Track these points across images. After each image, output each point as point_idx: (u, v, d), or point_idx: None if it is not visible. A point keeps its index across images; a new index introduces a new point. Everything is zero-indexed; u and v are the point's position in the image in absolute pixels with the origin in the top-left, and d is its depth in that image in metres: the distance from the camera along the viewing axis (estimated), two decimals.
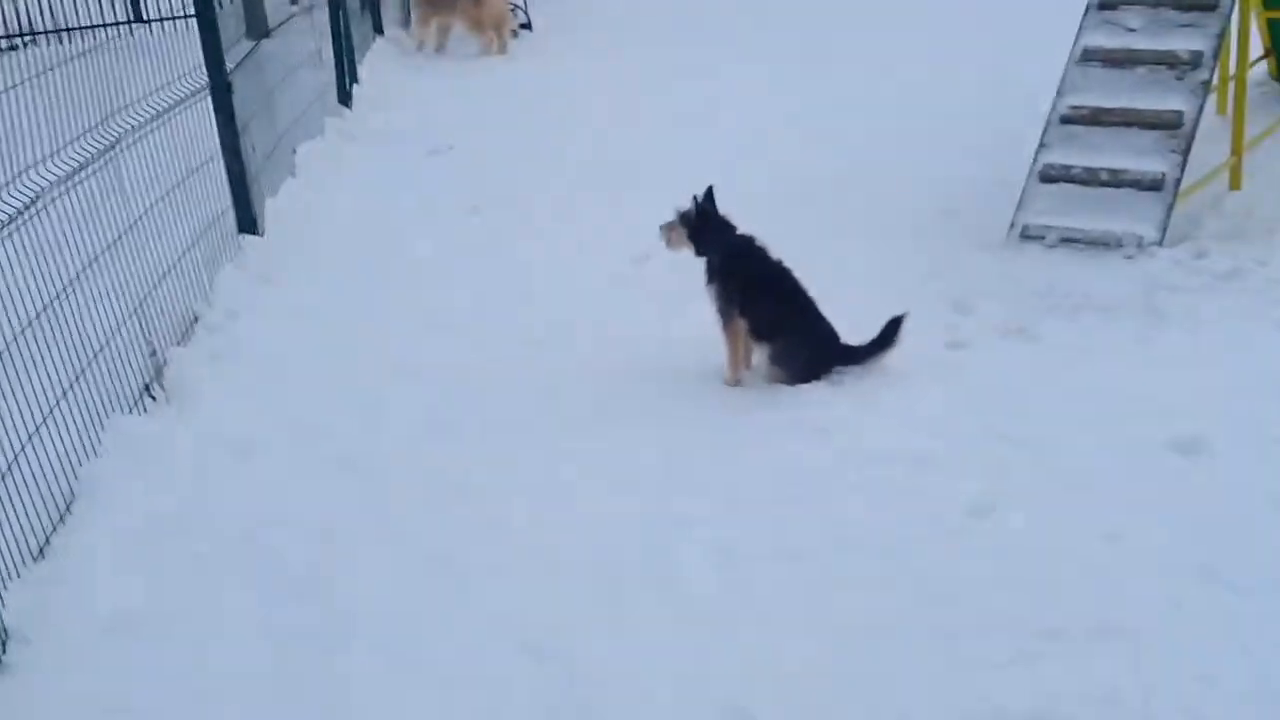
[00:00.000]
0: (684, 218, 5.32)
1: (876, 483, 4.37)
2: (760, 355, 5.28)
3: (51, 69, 5.26)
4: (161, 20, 13.56)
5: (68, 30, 14.90)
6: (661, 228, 5.40)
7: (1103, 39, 6.73)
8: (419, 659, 3.64)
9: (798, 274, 5.23)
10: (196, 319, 5.98)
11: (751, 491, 4.38)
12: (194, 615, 3.87)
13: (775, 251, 5.24)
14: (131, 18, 15.25)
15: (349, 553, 4.20)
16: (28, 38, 15.11)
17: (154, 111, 5.95)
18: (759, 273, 5.20)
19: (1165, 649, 3.44)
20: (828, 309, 5.23)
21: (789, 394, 5.09)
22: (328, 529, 4.35)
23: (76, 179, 4.99)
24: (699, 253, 5.33)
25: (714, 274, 5.28)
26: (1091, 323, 5.57)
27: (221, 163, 6.85)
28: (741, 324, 5.22)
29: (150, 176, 5.94)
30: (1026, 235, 6.39)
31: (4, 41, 14.99)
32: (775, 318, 5.17)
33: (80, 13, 14.94)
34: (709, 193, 5.31)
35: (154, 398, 5.26)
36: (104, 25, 14.88)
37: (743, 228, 5.32)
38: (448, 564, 4.11)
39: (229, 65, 6.96)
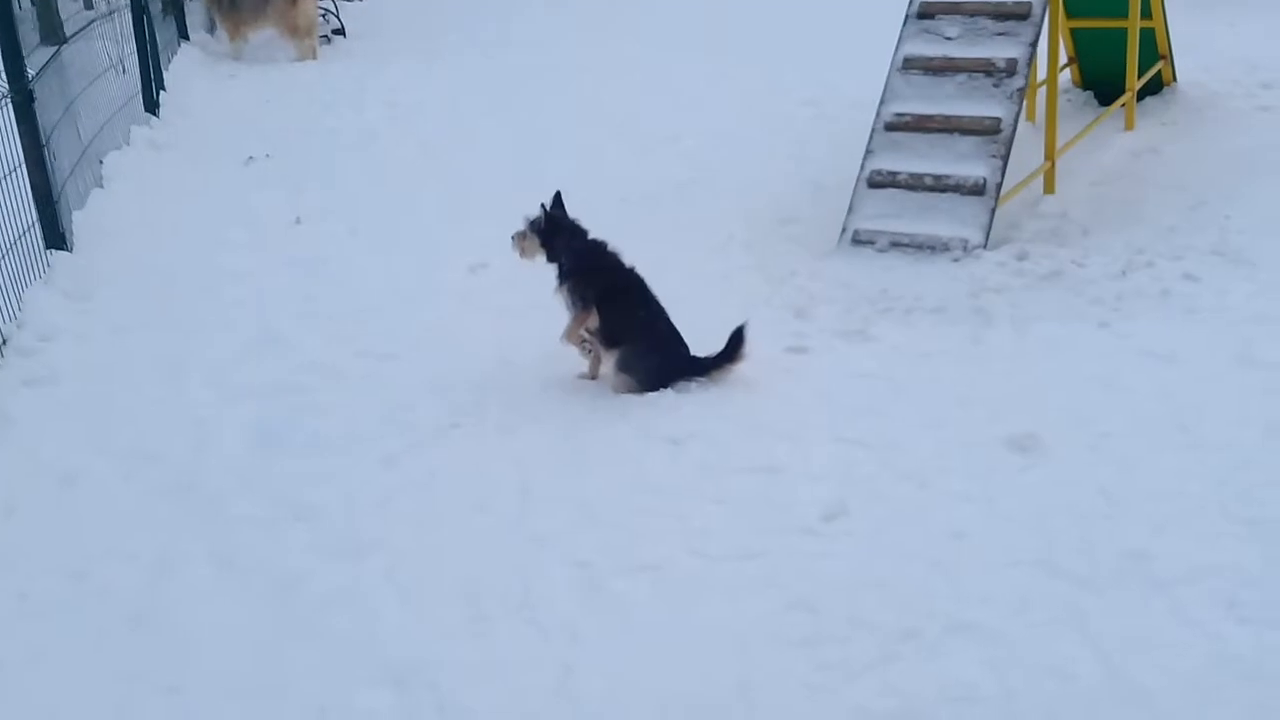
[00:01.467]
0: (535, 225, 5.25)
1: (730, 491, 4.38)
2: (608, 363, 5.24)
3: None
4: None
5: None
6: (513, 236, 5.31)
7: (922, 47, 6.92)
8: (272, 696, 3.49)
9: (648, 280, 5.21)
10: (6, 341, 5.63)
11: (607, 506, 4.33)
12: (23, 662, 3.63)
13: (627, 257, 5.22)
14: None
15: (188, 584, 4.01)
16: None
17: None
18: (609, 277, 5.17)
19: (1019, 645, 3.52)
20: (677, 317, 5.23)
21: (637, 404, 5.07)
22: (163, 559, 4.14)
23: None
24: (550, 258, 5.26)
25: (565, 277, 5.22)
26: (924, 324, 5.72)
27: (25, 175, 6.47)
28: (593, 318, 5.17)
29: None
30: (858, 240, 6.52)
31: None
32: (624, 324, 5.14)
33: None
34: (557, 198, 5.26)
35: None
36: None
37: (594, 233, 5.27)
38: (294, 591, 3.96)
39: (31, 71, 6.61)
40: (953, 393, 5.04)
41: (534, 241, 5.25)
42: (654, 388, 5.12)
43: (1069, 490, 4.29)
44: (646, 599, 3.83)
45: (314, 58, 12.16)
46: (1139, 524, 4.06)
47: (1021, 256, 6.22)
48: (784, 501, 4.30)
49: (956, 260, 6.23)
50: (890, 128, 6.80)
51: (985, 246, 6.29)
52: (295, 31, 12.10)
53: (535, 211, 5.26)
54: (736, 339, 5.07)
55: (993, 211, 6.38)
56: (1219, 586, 3.71)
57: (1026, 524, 4.09)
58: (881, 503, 4.28)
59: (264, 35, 12.35)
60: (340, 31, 13.22)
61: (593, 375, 5.34)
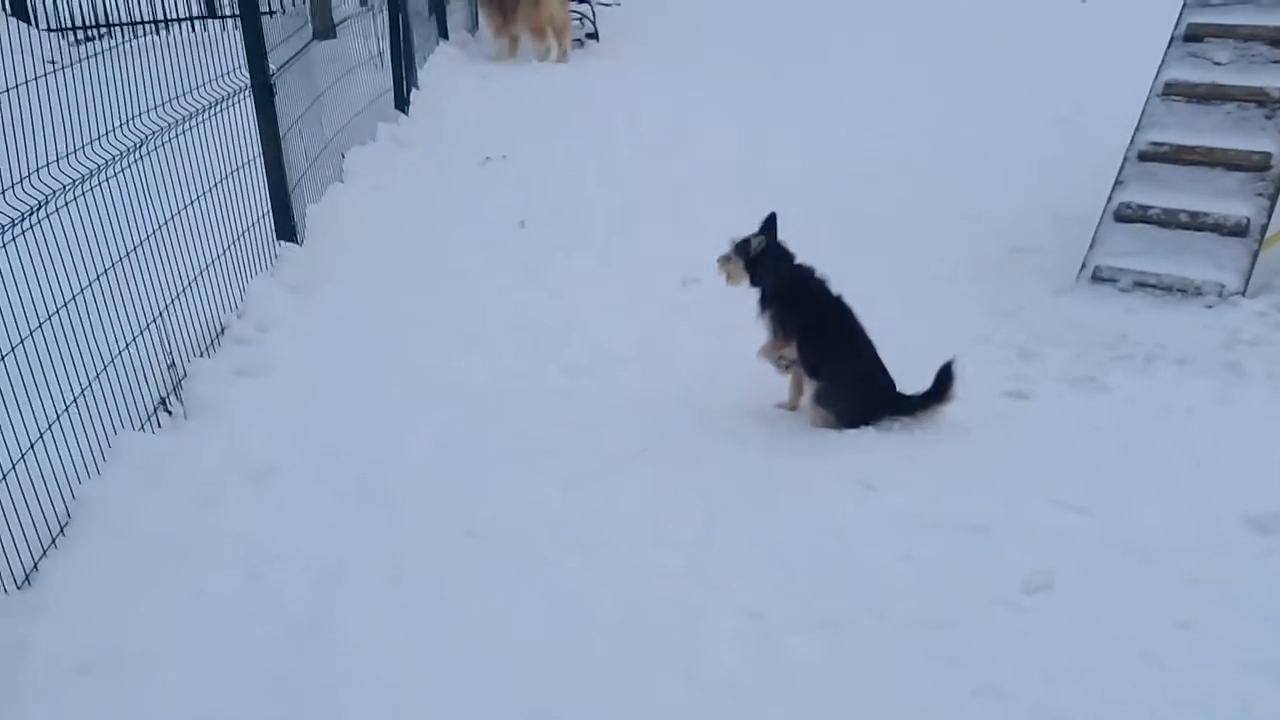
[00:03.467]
0: (740, 248, 5.01)
1: (924, 548, 4.03)
2: (807, 393, 4.96)
3: (116, 62, 5.12)
4: (234, 16, 13.44)
5: (140, 23, 14.94)
6: (718, 260, 5.09)
7: (1187, 72, 6.34)
8: None
9: (858, 311, 4.90)
10: (224, 330, 5.76)
11: (790, 551, 4.06)
12: (181, 659, 3.62)
13: (835, 286, 4.93)
14: (205, 12, 15.24)
15: (353, 597, 3.94)
16: (102, 29, 15.19)
17: (190, 110, 5.74)
18: (812, 306, 4.89)
19: None
20: (888, 349, 4.91)
21: (835, 440, 4.77)
22: (335, 568, 4.09)
23: (104, 175, 4.79)
24: (754, 283, 5.01)
25: (768, 302, 4.97)
26: (1166, 376, 5.19)
27: (261, 166, 6.64)
28: (792, 350, 4.92)
29: (185, 176, 5.74)
30: (1098, 277, 6.02)
31: (81, 32, 15.06)
32: (827, 355, 4.85)
33: (154, 5, 14.95)
34: (771, 221, 4.99)
35: (170, 413, 5.04)
36: (174, 20, 14.89)
37: (801, 257, 5.00)
38: (453, 615, 3.83)
39: (275, 65, 6.77)
40: (1193, 457, 4.53)
41: (738, 265, 5.01)
42: (854, 424, 4.81)
43: None
44: (818, 661, 3.54)
45: (562, 60, 12.23)
46: None
47: None
48: (984, 566, 3.92)
49: (1210, 307, 5.66)
50: (1145, 157, 6.25)
51: (1244, 294, 5.69)
52: (539, 31, 12.19)
53: (742, 233, 5.01)
54: (945, 376, 4.70)
55: (1255, 255, 5.77)
56: None
57: (1263, 620, 3.61)
58: (1096, 578, 3.85)
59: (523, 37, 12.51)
60: (594, 35, 13.29)
61: (792, 406, 5.07)
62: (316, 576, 4.06)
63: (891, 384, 4.82)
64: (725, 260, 5.05)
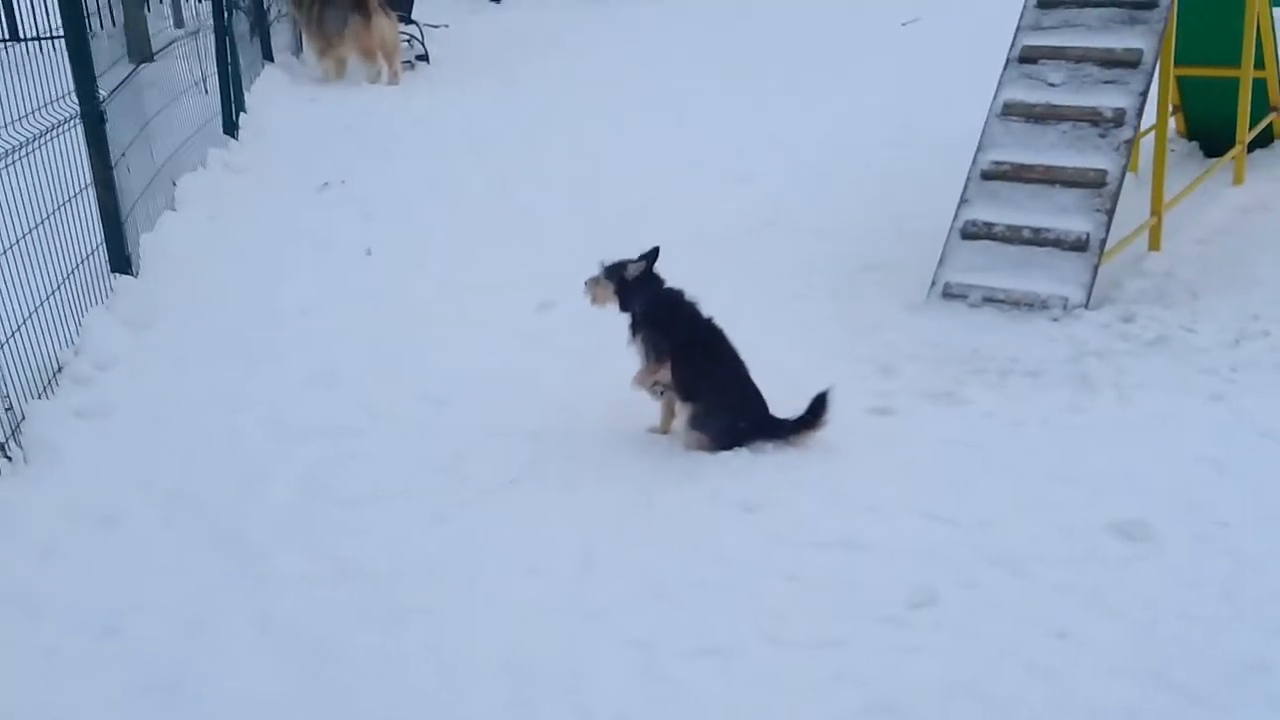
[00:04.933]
0: (611, 272, 4.96)
1: (807, 568, 4.04)
2: (681, 417, 4.94)
3: None
4: (39, 39, 12.85)
5: None
6: (586, 282, 5.03)
7: (1024, 93, 6.56)
8: None
9: (729, 332, 4.90)
10: (60, 369, 5.45)
11: (672, 577, 4.02)
12: None
13: (706, 308, 4.92)
14: (6, 35, 14.55)
15: (222, 645, 3.75)
16: None
17: (15, 142, 5.42)
18: (686, 328, 4.87)
19: None
20: (751, 369, 4.92)
21: (709, 463, 4.76)
22: (199, 615, 3.90)
23: None
24: (623, 308, 4.97)
25: (638, 327, 4.93)
26: (1020, 388, 5.34)
27: (92, 196, 6.33)
28: (664, 372, 4.88)
29: (11, 210, 5.42)
30: (949, 293, 6.17)
31: None
32: (701, 378, 4.84)
33: None
34: (654, 253, 4.93)
35: (9, 458, 4.73)
36: None
37: (667, 278, 4.99)
38: (330, 658, 3.69)
39: (106, 90, 6.47)
40: (1051, 467, 4.66)
41: (607, 289, 4.96)
42: (728, 447, 4.81)
43: (1181, 587, 3.90)
44: (710, 687, 3.51)
45: (393, 82, 12.04)
46: (1259, 629, 3.66)
47: (1126, 319, 5.82)
48: (866, 583, 3.95)
49: (1055, 320, 5.85)
50: (987, 176, 6.45)
51: (1087, 306, 5.91)
52: (369, 53, 11.98)
53: (609, 257, 4.97)
54: (819, 405, 4.74)
55: (1095, 269, 5.99)
56: None
57: (1135, 624, 3.71)
58: (973, 591, 3.91)
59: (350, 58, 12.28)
60: (424, 58, 13.11)
61: (664, 430, 5.04)
62: (178, 627, 3.86)
63: (765, 407, 4.84)
64: (594, 282, 5.00)
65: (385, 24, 11.98)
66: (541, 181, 8.58)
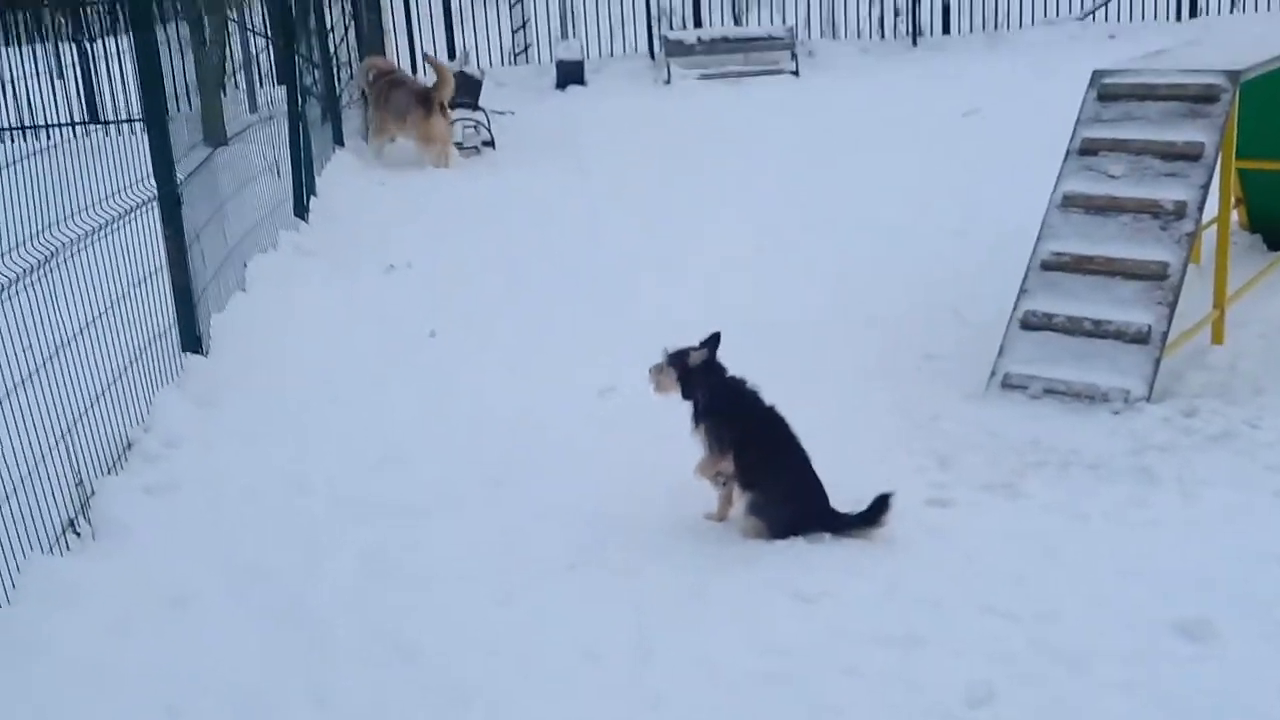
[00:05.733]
0: (675, 359, 4.98)
1: (864, 662, 4.01)
2: (739, 504, 4.95)
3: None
4: (118, 122, 13.29)
5: (19, 129, 14.67)
6: (651, 369, 5.06)
7: (1084, 185, 6.58)
8: None
9: (789, 420, 4.93)
10: (130, 445, 5.58)
11: (729, 667, 4.01)
12: None
13: (766, 395, 4.96)
14: (86, 118, 15.05)
15: None
16: None
17: (96, 224, 5.61)
18: (749, 417, 4.90)
19: None
20: (809, 456, 4.94)
21: (766, 551, 4.76)
22: (259, 696, 3.95)
23: (9, 293, 4.65)
24: (685, 395, 5.00)
25: (702, 416, 4.95)
26: (1081, 482, 5.30)
27: (165, 277, 6.51)
28: (727, 463, 4.90)
29: (88, 290, 5.59)
30: (1008, 384, 6.16)
31: None
32: (761, 466, 4.85)
33: (36, 110, 14.72)
34: (715, 339, 4.98)
35: (79, 534, 4.85)
36: (57, 126, 14.66)
37: (731, 367, 5.03)
38: None
39: (182, 173, 6.68)
40: (1113, 563, 4.61)
41: (671, 376, 5.01)
42: (784, 536, 4.81)
43: (1246, 686, 3.84)
44: None
45: (446, 165, 12.38)
46: None
47: (1189, 413, 5.78)
48: (924, 680, 3.91)
49: (1117, 413, 5.82)
50: (1047, 267, 6.45)
51: (1149, 399, 5.87)
52: (428, 141, 12.42)
53: (672, 344, 5.02)
54: (881, 505, 4.75)
55: (1157, 362, 5.96)
56: None
57: None
58: (1034, 688, 3.87)
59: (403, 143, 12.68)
60: (490, 143, 13.40)
61: (720, 517, 5.06)
62: (238, 706, 3.91)
63: (825, 497, 4.85)
64: (658, 370, 5.03)
65: (442, 121, 12.44)
66: (605, 266, 8.70)
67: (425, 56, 13.23)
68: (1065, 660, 4.02)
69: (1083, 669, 3.97)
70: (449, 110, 12.75)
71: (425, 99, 12.47)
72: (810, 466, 4.88)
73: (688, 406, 5.00)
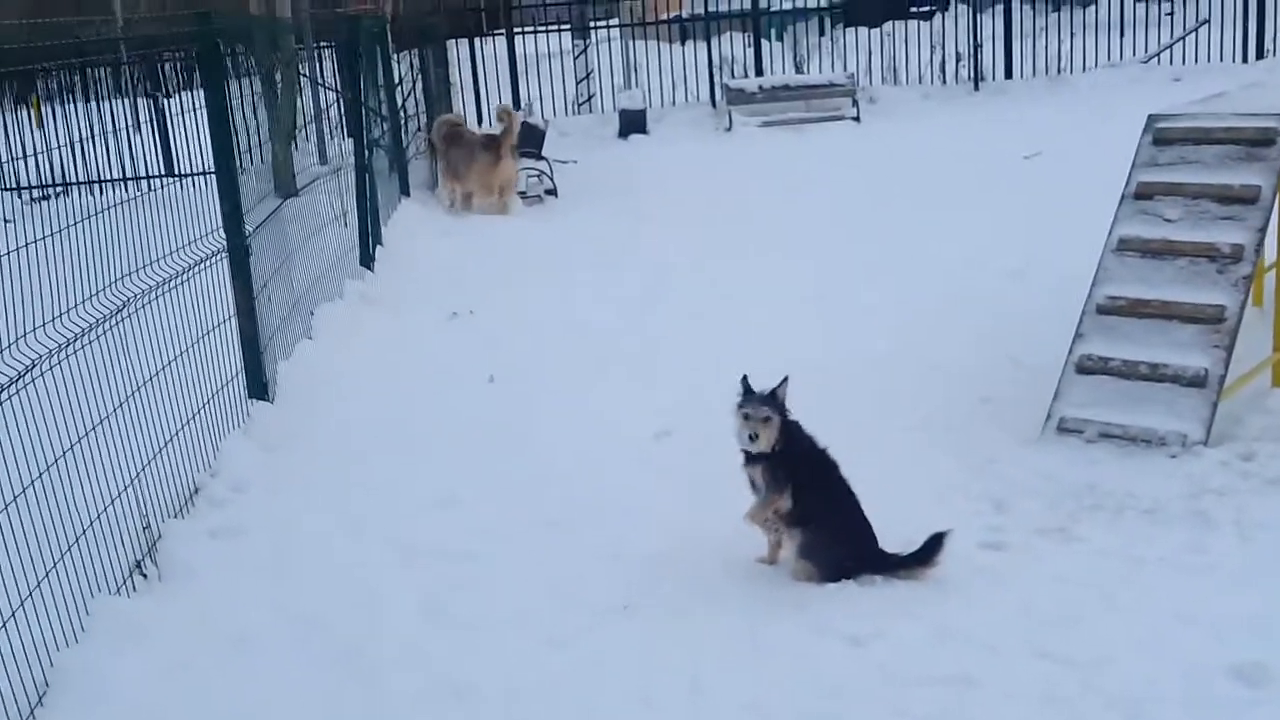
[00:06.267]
0: (774, 404, 4.82)
1: (916, 704, 4.03)
2: (789, 546, 4.98)
3: (75, 222, 5.21)
4: (192, 175, 13.66)
5: (98, 182, 15.11)
6: (749, 419, 4.82)
7: (1140, 229, 6.57)
8: None
9: (841, 464, 4.97)
10: (197, 490, 5.74)
11: (780, 709, 4.04)
12: None
13: (820, 439, 4.99)
14: (162, 171, 15.46)
15: None
16: (59, 188, 15.33)
17: (168, 274, 5.80)
18: (805, 460, 4.92)
19: None
20: (864, 501, 4.96)
21: (816, 594, 4.79)
22: None
23: (83, 341, 4.84)
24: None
25: (761, 459, 4.92)
26: (1136, 527, 5.27)
27: (234, 326, 6.69)
28: (785, 501, 4.88)
29: (159, 338, 5.77)
30: (1064, 428, 6.14)
31: (37, 191, 15.20)
32: (812, 508, 4.88)
33: (112, 164, 15.16)
34: (785, 382, 4.90)
35: (145, 576, 4.99)
36: (133, 179, 15.09)
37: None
38: None
39: (252, 224, 6.88)
40: (1170, 608, 4.58)
41: (774, 426, 4.83)
42: (835, 579, 4.84)
43: None
44: None
45: (506, 212, 12.61)
46: None
47: (1247, 457, 5.72)
48: None
49: (1174, 457, 5.78)
50: (1103, 310, 6.44)
51: (1206, 443, 5.82)
52: (489, 190, 12.68)
53: (758, 389, 4.90)
54: (935, 544, 4.76)
55: (1214, 405, 5.92)
56: None
57: None
58: None
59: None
60: (553, 192, 13.61)
61: (771, 560, 5.09)
62: None
63: (874, 540, 4.87)
64: (763, 421, 4.82)
65: (509, 165, 12.69)
66: (663, 313, 8.80)
67: (499, 108, 13.54)
68: (1119, 705, 4.00)
69: (1137, 714, 3.95)
70: (515, 158, 12.99)
71: (490, 146, 12.74)
72: (860, 510, 4.90)
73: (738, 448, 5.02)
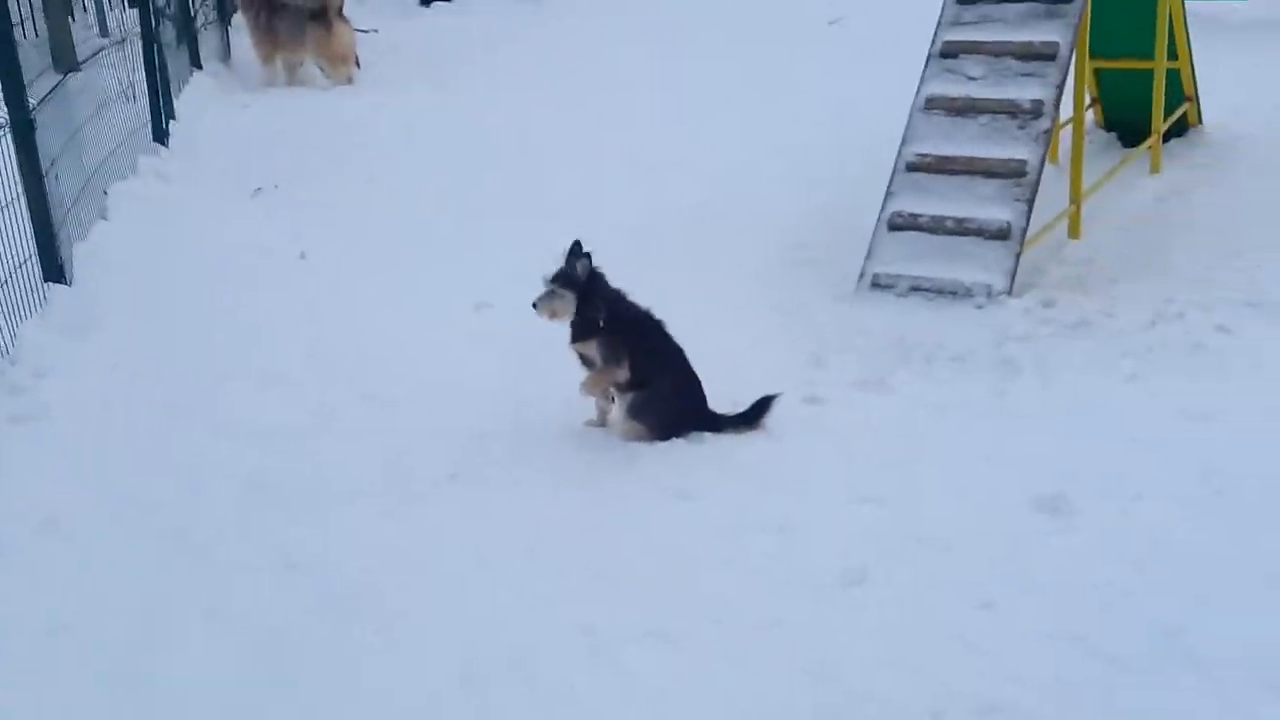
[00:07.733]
0: (567, 280, 4.85)
1: (745, 553, 4.17)
2: (619, 408, 5.04)
3: None
4: None
5: None
6: (537, 302, 4.88)
7: (945, 87, 6.74)
8: None
9: (668, 325, 5.02)
10: None
11: (615, 565, 4.13)
12: None
13: (641, 298, 5.02)
14: None
15: (174, 637, 3.80)
16: None
17: None
18: (633, 326, 4.94)
19: None
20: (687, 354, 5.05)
21: (647, 454, 4.87)
22: (150, 612, 3.94)
23: None
24: (581, 314, 4.92)
25: (593, 329, 4.91)
26: (946, 374, 5.51)
27: (23, 206, 6.31)
28: (624, 373, 4.91)
29: None
30: (877, 284, 6.33)
31: None
32: (645, 372, 4.92)
33: None
34: (578, 249, 4.88)
35: None
36: None
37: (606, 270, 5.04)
38: (282, 646, 3.76)
39: (34, 100, 6.46)
40: (977, 449, 4.83)
41: (567, 300, 4.87)
42: (665, 437, 4.92)
43: (1101, 558, 4.07)
44: (654, 667, 3.62)
45: (349, 83, 12.12)
46: (1175, 596, 3.84)
47: (1047, 304, 6.02)
48: (801, 565, 4.09)
49: (980, 307, 6.03)
50: (911, 168, 6.62)
51: (1010, 293, 6.09)
52: (332, 59, 12.08)
53: (552, 267, 4.92)
54: (762, 406, 4.90)
55: (1017, 257, 6.18)
56: (1263, 665, 3.49)
57: (1058, 595, 3.88)
58: (903, 567, 4.06)
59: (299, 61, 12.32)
60: (355, 62, 13.11)
61: (601, 423, 5.15)
62: (129, 623, 3.89)
63: (703, 398, 4.96)
64: (550, 297, 4.87)
65: (345, 31, 12.10)
66: (475, 181, 8.65)
67: None
68: (933, 541, 4.22)
69: (949, 548, 4.18)
70: (348, 22, 12.38)
71: (320, 15, 12.09)
72: (690, 368, 4.98)
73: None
